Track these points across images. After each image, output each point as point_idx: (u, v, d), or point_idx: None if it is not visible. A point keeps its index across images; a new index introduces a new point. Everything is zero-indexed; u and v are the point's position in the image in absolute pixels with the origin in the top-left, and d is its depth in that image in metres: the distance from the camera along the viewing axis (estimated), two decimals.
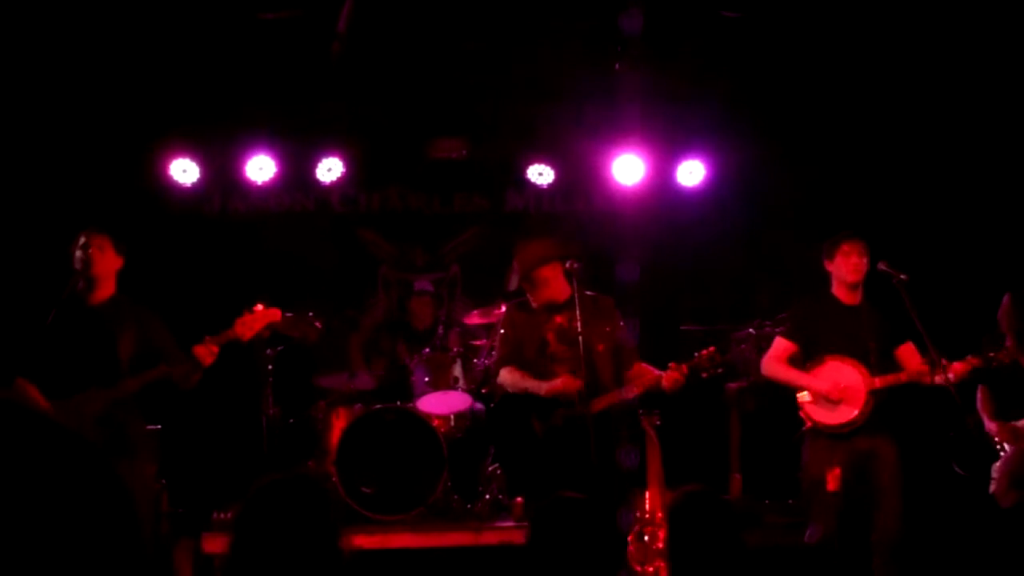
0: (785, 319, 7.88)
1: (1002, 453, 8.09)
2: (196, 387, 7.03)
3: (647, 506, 8.07)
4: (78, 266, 6.86)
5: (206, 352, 6.75)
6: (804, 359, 7.50)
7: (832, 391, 7.25)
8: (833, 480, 7.14)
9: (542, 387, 7.41)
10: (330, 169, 10.97)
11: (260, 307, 6.90)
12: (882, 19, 9.54)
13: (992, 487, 8.10)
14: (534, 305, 7.70)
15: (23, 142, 10.23)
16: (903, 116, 10.59)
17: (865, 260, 7.39)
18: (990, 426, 8.17)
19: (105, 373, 6.70)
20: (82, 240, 6.89)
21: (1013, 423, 8.06)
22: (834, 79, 10.38)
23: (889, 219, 10.28)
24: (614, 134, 10.97)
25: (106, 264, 6.91)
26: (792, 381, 7.49)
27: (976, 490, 8.31)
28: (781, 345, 7.62)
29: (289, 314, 8.80)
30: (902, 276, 7.26)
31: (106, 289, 6.95)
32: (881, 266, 7.41)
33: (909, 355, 7.37)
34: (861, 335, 7.32)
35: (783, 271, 10.87)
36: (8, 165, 10.18)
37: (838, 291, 7.52)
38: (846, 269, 7.40)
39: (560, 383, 7.38)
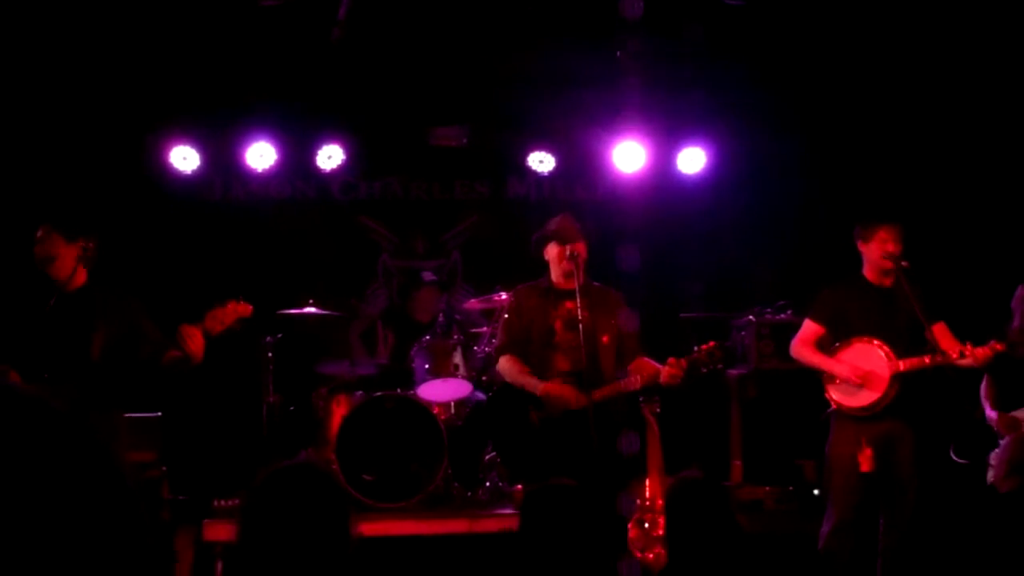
0: (813, 303, 7.79)
1: (1001, 441, 8.10)
2: (196, 375, 6.99)
3: (647, 493, 8.09)
4: (45, 266, 6.82)
5: (192, 333, 6.66)
6: (832, 342, 7.47)
7: (852, 376, 7.24)
8: (866, 461, 7.15)
9: (537, 387, 7.34)
10: (330, 157, 10.96)
11: (232, 302, 6.85)
12: (885, 4, 9.53)
13: (990, 475, 8.10)
14: (547, 284, 7.64)
15: (23, 130, 10.22)
16: (908, 103, 10.56)
17: (900, 246, 7.35)
18: (991, 415, 8.16)
19: (76, 363, 6.63)
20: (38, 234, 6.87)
21: (1013, 413, 8.06)
22: (837, 65, 10.36)
23: (894, 206, 10.26)
24: (615, 121, 10.95)
25: (52, 253, 6.81)
26: (816, 365, 7.48)
27: (974, 478, 8.32)
28: (809, 329, 7.60)
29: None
30: (903, 263, 7.24)
31: (77, 279, 6.86)
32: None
33: (941, 336, 7.28)
34: (889, 317, 7.31)
35: (783, 258, 10.88)
36: (7, 154, 10.17)
37: (869, 273, 7.48)
38: (880, 255, 7.37)
39: (555, 388, 7.33)
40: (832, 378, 7.37)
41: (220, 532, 8.03)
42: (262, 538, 3.52)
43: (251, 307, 6.88)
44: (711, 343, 7.18)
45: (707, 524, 4.46)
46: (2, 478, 1.18)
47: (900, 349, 7.21)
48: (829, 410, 7.47)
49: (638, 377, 7.28)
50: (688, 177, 11.37)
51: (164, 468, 8.68)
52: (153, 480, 8.45)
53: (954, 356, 7.09)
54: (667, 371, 7.09)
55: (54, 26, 9.32)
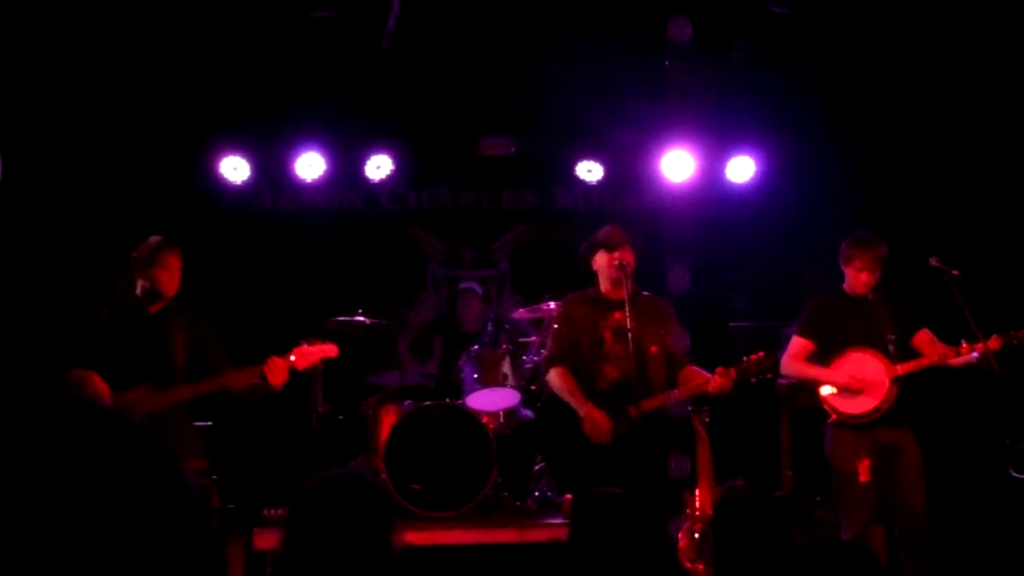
0: (800, 319, 7.88)
1: None
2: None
3: (697, 503, 8.06)
4: (152, 282, 6.97)
5: (277, 367, 6.86)
6: (823, 355, 7.54)
7: (852, 381, 7.29)
8: (864, 471, 7.17)
9: (581, 409, 7.33)
10: (379, 167, 10.99)
11: (318, 342, 7.12)
12: (932, 11, 9.47)
13: None
14: (595, 294, 7.64)
15: (77, 142, 10.31)
16: (958, 108, 10.48)
17: (877, 275, 7.48)
18: None
19: (160, 375, 6.82)
20: (167, 260, 7.00)
21: None
22: (887, 72, 10.30)
23: (945, 214, 10.18)
24: (663, 130, 10.92)
25: (174, 280, 7.07)
26: (812, 376, 7.58)
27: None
28: (798, 344, 7.69)
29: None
30: (954, 272, 7.22)
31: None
32: (933, 262, 7.39)
33: (926, 342, 7.39)
34: (877, 327, 7.39)
35: (833, 267, 10.80)
36: (62, 165, 10.26)
37: (851, 287, 7.60)
38: (856, 283, 7.55)
39: (591, 419, 7.31)
40: (829, 388, 7.41)
41: (270, 541, 8.05)
42: (306, 546, 3.53)
43: (337, 349, 7.09)
44: (760, 353, 7.20)
45: (756, 534, 4.44)
46: (73, 487, 1.19)
47: (889, 357, 7.30)
48: (829, 420, 7.47)
49: (686, 388, 7.28)
50: (737, 186, 11.31)
51: (214, 477, 8.72)
52: (203, 489, 8.51)
53: (951, 356, 7.13)
54: (716, 381, 7.09)
55: (106, 40, 9.40)
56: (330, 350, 7.16)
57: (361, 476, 3.83)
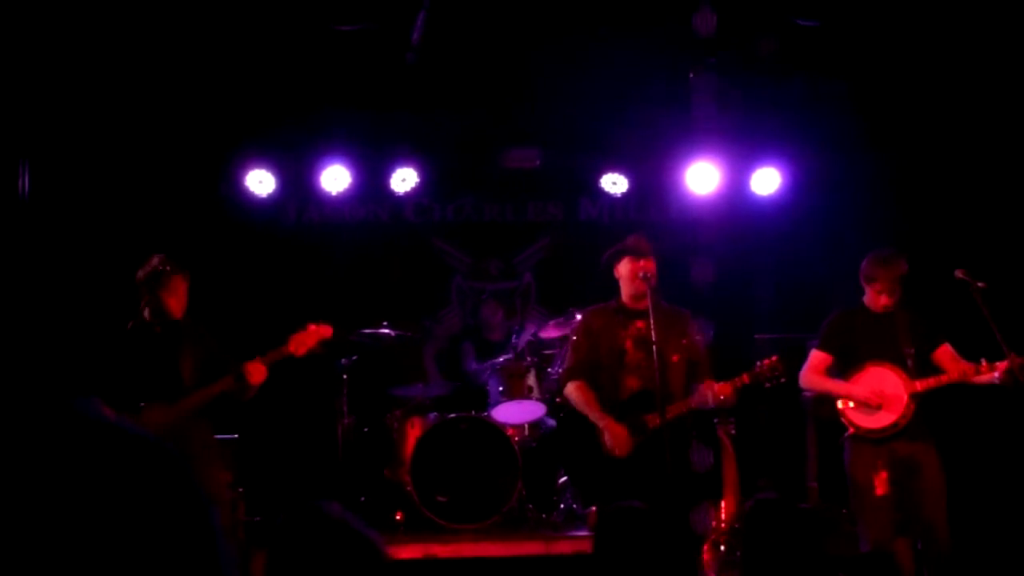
0: (820, 332, 7.86)
1: None
2: (272, 397, 7.14)
3: (723, 515, 8.04)
4: (159, 307, 7.02)
5: (254, 369, 6.91)
6: (842, 369, 7.52)
7: (872, 396, 7.27)
8: (881, 484, 7.16)
9: (599, 422, 7.32)
10: (404, 179, 11.01)
11: (312, 325, 7.11)
12: (963, 24, 9.44)
13: None
14: (616, 304, 7.64)
15: (103, 154, 10.35)
16: (986, 122, 10.43)
17: (897, 295, 7.43)
18: None
19: (168, 390, 6.86)
20: (173, 285, 7.05)
21: None
22: (913, 83, 10.26)
23: (973, 226, 10.14)
24: (688, 142, 10.90)
25: (181, 303, 7.09)
26: (831, 390, 7.54)
27: None
28: (817, 357, 7.66)
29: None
30: (979, 284, 7.19)
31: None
32: (958, 274, 7.35)
33: (947, 357, 7.36)
34: (896, 341, 7.35)
35: (859, 280, 10.78)
36: (89, 177, 10.31)
37: (871, 303, 7.55)
38: (876, 304, 7.50)
39: (610, 432, 7.30)
40: (847, 402, 7.38)
41: None
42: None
43: (331, 328, 7.15)
44: (773, 357, 7.24)
45: (783, 547, 4.43)
46: (95, 506, 1.19)
47: (908, 372, 7.27)
48: (846, 434, 7.45)
49: (697, 397, 7.25)
50: (762, 199, 11.29)
51: (240, 489, 8.75)
52: (229, 501, 8.53)
53: (971, 374, 7.10)
54: (727, 388, 7.11)
55: (134, 53, 9.43)
56: (324, 331, 7.21)
57: (324, 514, 3.76)
